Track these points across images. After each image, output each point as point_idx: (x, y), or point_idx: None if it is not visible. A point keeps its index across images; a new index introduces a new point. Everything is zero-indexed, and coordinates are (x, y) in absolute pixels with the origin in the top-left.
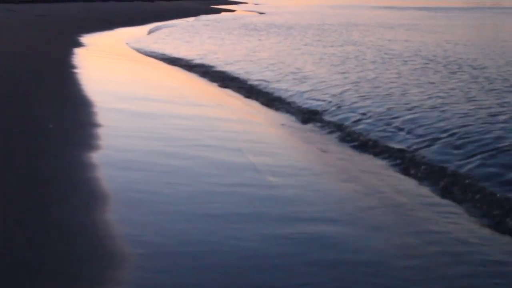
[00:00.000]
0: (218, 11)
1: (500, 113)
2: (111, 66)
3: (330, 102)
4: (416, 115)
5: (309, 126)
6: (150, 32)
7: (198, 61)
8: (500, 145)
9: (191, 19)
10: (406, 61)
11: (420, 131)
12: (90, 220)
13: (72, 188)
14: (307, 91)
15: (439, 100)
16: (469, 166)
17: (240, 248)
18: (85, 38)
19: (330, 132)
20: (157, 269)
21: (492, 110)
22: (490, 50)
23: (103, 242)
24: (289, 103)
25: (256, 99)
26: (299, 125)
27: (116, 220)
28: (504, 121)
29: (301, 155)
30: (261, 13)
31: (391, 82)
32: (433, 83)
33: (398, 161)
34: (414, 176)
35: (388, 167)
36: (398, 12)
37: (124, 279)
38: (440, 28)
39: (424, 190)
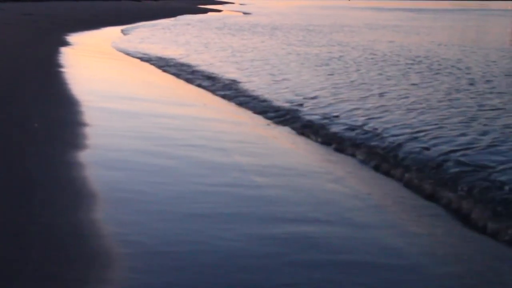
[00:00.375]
0: (205, 11)
1: (476, 115)
2: (97, 65)
3: (308, 101)
4: (392, 116)
5: (287, 128)
6: (126, 32)
7: (180, 60)
8: (475, 145)
9: (175, 19)
10: (388, 62)
11: (397, 131)
12: (76, 220)
13: (58, 187)
14: (284, 91)
15: (416, 101)
16: (445, 168)
17: (225, 248)
18: (72, 37)
19: (312, 133)
20: (143, 269)
21: (469, 112)
22: (472, 51)
23: (89, 242)
24: (264, 101)
25: (230, 99)
26: (280, 126)
27: (103, 220)
28: (480, 122)
29: (286, 155)
30: (246, 13)
31: (371, 84)
32: (415, 84)
33: (380, 163)
34: (397, 178)
35: (370, 168)
36: (383, 13)
37: (110, 279)
38: (424, 30)
39: (407, 192)
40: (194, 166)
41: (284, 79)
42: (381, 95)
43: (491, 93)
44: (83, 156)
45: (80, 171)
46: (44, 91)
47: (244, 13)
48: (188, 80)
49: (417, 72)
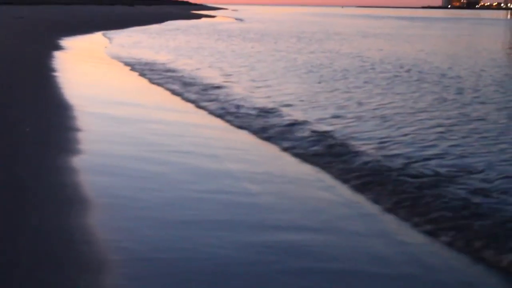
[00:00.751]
0: (199, 16)
1: (454, 124)
2: (90, 70)
3: (281, 108)
4: (364, 125)
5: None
6: (118, 36)
7: (167, 66)
8: (442, 155)
9: (167, 24)
10: (377, 70)
11: (364, 141)
12: (67, 225)
13: (49, 192)
14: (259, 98)
15: (395, 109)
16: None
17: (215, 256)
18: (65, 41)
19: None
20: (134, 275)
21: (447, 121)
22: (462, 60)
23: (80, 248)
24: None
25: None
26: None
27: (94, 226)
28: (453, 133)
29: (276, 162)
30: (239, 20)
31: (354, 92)
32: (399, 93)
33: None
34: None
35: (359, 177)
36: (376, 21)
37: (101, 285)
38: (415, 38)
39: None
40: (185, 172)
41: (266, 85)
42: (360, 103)
43: (477, 102)
44: (75, 161)
45: (72, 176)
46: (37, 96)
47: (237, 19)
48: (160, 85)
49: (405, 81)
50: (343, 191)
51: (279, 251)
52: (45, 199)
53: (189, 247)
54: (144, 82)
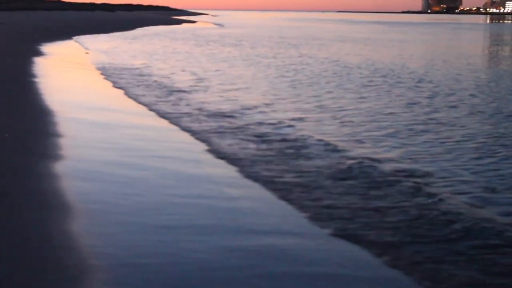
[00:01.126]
0: (179, 22)
1: (411, 129)
2: (70, 75)
3: (241, 112)
4: (321, 128)
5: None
6: (97, 42)
7: (143, 71)
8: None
9: (147, 29)
10: (351, 74)
11: (317, 142)
12: (46, 231)
13: (29, 198)
14: (221, 101)
15: (355, 113)
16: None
17: (196, 260)
18: (45, 47)
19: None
20: (115, 281)
21: (403, 125)
22: (439, 65)
23: (60, 254)
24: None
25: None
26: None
27: (74, 231)
28: (404, 136)
29: (256, 167)
30: (219, 25)
31: (321, 96)
32: (368, 97)
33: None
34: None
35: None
36: (355, 26)
37: None
38: (394, 43)
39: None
40: (166, 177)
41: (235, 89)
42: (324, 107)
43: (447, 107)
44: (55, 167)
45: (52, 182)
46: (17, 101)
47: (217, 24)
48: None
49: (378, 86)
50: (322, 196)
51: (259, 255)
52: (25, 205)
53: (170, 252)
54: (126, 87)
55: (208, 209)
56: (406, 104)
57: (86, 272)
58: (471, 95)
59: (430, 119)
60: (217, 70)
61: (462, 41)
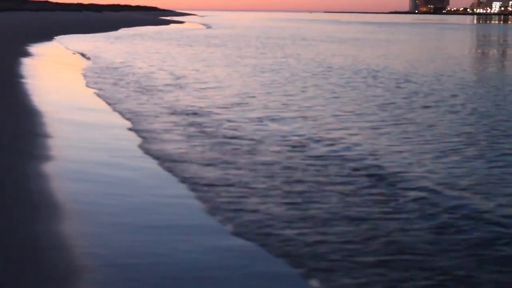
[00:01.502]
0: (167, 22)
1: (380, 127)
2: (58, 76)
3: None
4: (283, 126)
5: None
6: (84, 42)
7: (124, 71)
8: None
9: (135, 29)
10: (333, 74)
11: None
12: (34, 232)
13: (17, 199)
14: (192, 98)
15: (325, 113)
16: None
17: (185, 260)
18: (33, 48)
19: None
20: (102, 281)
21: (370, 123)
22: (422, 65)
23: (47, 254)
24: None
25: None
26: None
27: (62, 232)
28: (367, 135)
29: (240, 167)
30: (206, 25)
31: (292, 95)
32: (342, 97)
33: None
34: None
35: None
36: (343, 26)
37: None
38: (381, 43)
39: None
40: (153, 177)
41: (208, 88)
42: (289, 105)
43: (422, 107)
44: (44, 167)
45: (41, 182)
46: (4, 102)
47: (205, 25)
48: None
49: (355, 86)
50: (313, 194)
51: (247, 255)
52: (13, 205)
53: (158, 252)
54: (105, 87)
55: (196, 209)
56: (380, 104)
57: (74, 272)
58: (453, 95)
59: (402, 118)
60: (196, 70)
61: (448, 41)
